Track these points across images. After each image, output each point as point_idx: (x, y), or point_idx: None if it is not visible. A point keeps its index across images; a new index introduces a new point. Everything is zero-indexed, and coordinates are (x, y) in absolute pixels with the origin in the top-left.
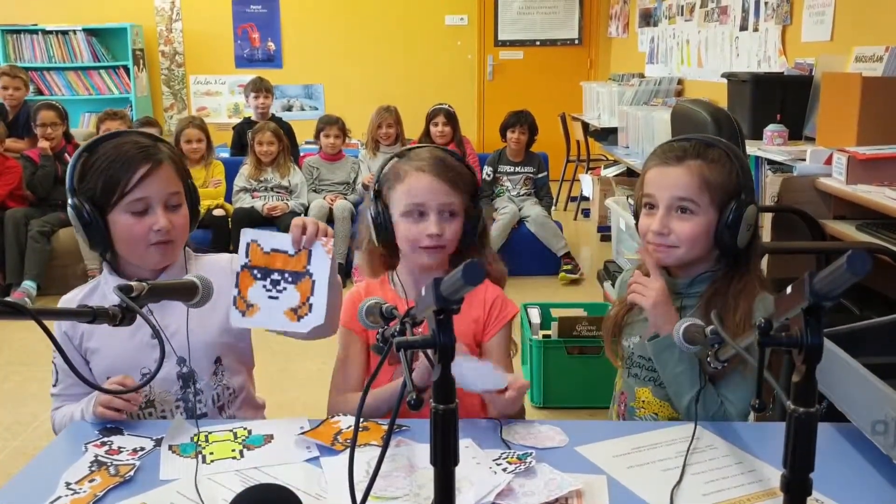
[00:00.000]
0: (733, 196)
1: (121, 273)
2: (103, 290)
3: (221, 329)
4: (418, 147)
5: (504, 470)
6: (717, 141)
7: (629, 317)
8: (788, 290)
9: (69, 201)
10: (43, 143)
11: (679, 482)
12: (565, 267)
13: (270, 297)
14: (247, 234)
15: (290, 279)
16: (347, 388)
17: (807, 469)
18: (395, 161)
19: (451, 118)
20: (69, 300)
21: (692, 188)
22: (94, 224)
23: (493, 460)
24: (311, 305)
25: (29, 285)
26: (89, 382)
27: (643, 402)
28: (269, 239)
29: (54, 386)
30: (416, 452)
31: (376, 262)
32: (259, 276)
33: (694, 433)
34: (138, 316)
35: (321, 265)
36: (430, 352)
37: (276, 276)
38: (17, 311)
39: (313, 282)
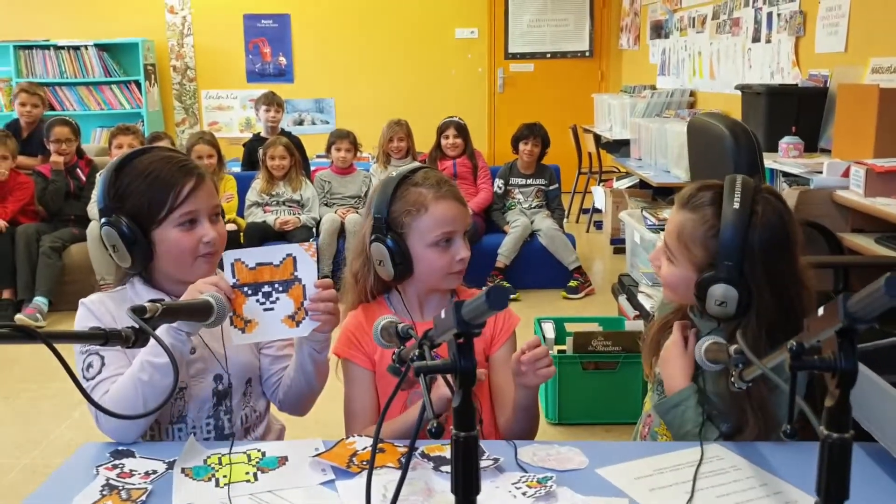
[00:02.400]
0: (711, 263)
1: (154, 285)
2: (131, 299)
3: (254, 351)
4: (410, 168)
5: (524, 494)
6: (733, 201)
7: (664, 339)
8: (821, 311)
9: (103, 220)
10: (56, 159)
11: (691, 499)
12: (570, 283)
13: (266, 310)
14: (229, 256)
15: (280, 288)
16: (365, 421)
17: (841, 497)
18: (406, 189)
19: (462, 130)
20: (95, 301)
21: (671, 236)
22: (140, 242)
23: (513, 484)
24: (307, 310)
25: (40, 301)
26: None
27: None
28: (252, 255)
29: (98, 374)
30: (433, 476)
31: (371, 287)
32: (250, 292)
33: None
34: None
35: (307, 269)
36: (450, 377)
37: (266, 289)
38: (28, 336)
39: (303, 286)
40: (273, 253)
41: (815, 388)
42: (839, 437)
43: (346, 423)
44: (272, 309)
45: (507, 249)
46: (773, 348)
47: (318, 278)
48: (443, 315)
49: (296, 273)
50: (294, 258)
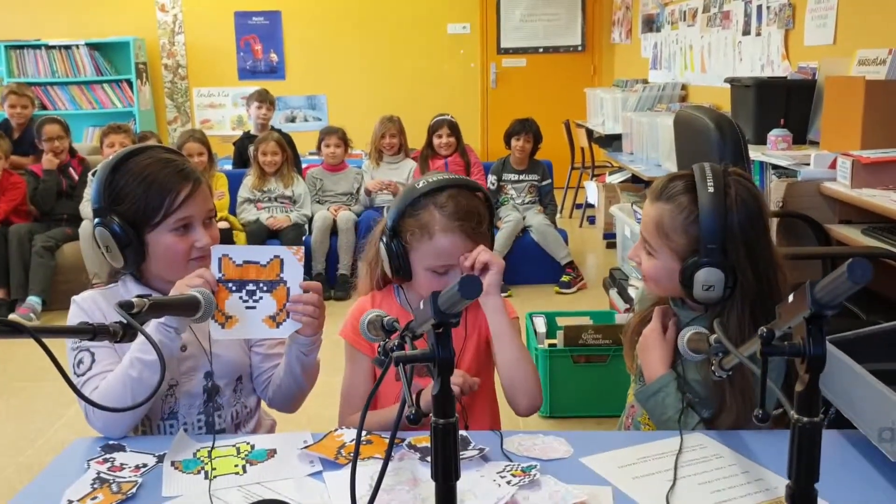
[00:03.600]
0: (693, 250)
1: (146, 283)
2: (123, 296)
3: (244, 349)
4: (442, 183)
5: (508, 482)
6: (707, 186)
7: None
8: (790, 298)
9: (97, 220)
10: (51, 158)
11: (673, 487)
12: (563, 278)
13: (248, 308)
14: (217, 250)
15: (265, 288)
16: (359, 405)
17: (811, 479)
18: (424, 206)
19: (453, 129)
20: (87, 298)
21: (650, 229)
22: (133, 244)
23: (497, 472)
24: (288, 312)
25: (34, 301)
26: (144, 333)
27: (649, 418)
28: (240, 252)
29: (88, 370)
30: (420, 466)
31: (379, 277)
32: (234, 288)
33: (681, 444)
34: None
35: (293, 271)
36: (429, 365)
37: (251, 287)
38: (15, 330)
39: (288, 288)
40: (261, 252)
41: (793, 374)
42: (809, 421)
43: (341, 403)
44: (254, 307)
45: (499, 245)
46: (758, 331)
47: (311, 279)
48: (422, 306)
49: (281, 275)
50: (281, 260)
